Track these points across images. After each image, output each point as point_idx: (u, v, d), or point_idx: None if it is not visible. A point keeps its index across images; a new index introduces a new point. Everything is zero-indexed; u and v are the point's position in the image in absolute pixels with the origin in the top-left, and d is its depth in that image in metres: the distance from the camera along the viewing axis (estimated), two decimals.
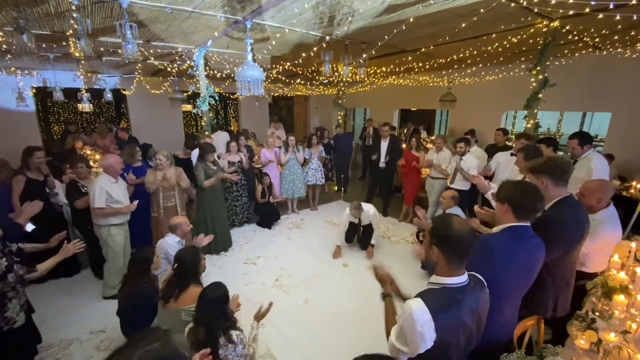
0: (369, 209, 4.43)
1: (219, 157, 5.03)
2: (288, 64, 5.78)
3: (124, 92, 8.27)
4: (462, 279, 1.29)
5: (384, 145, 5.73)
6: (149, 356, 0.68)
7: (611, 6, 2.75)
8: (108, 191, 3.28)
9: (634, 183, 4.34)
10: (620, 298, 1.91)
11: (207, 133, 5.06)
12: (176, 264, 2.25)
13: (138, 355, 0.66)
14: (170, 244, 3.07)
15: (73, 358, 2.75)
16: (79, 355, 2.77)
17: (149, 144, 5.77)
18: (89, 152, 6.21)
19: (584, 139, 3.31)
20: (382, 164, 5.79)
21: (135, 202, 3.49)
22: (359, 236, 4.66)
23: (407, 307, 1.22)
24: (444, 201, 3.97)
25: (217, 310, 1.87)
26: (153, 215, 4.07)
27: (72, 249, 2.44)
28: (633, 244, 2.43)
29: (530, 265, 1.63)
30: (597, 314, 1.84)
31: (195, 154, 4.93)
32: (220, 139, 6.20)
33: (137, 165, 4.45)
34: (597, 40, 4.43)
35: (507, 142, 5.22)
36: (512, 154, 4.02)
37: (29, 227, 2.93)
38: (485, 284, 1.38)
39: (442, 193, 4.16)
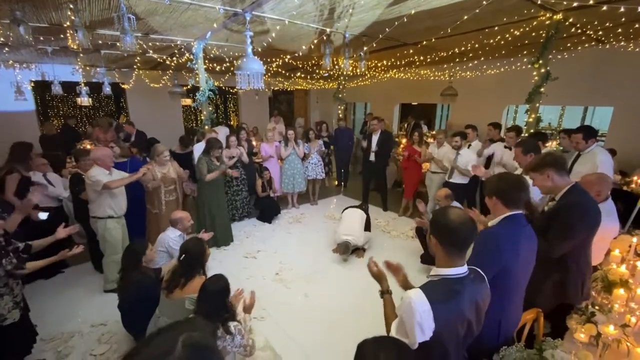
0: (357, 237, 4.25)
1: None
2: (288, 56, 5.74)
3: (123, 86, 8.22)
4: (461, 270, 1.29)
5: (375, 138, 5.73)
6: (192, 341, 0.69)
7: None
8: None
9: (634, 178, 4.33)
10: (620, 292, 1.91)
11: (207, 127, 5.04)
12: (183, 255, 2.26)
13: (182, 339, 0.68)
14: (171, 238, 3.08)
15: (74, 351, 2.76)
16: (80, 348, 2.79)
17: (157, 140, 5.69)
18: (89, 146, 6.19)
19: (588, 133, 3.29)
20: (371, 157, 5.78)
21: (144, 169, 3.55)
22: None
23: (406, 297, 1.23)
24: (440, 202, 3.94)
25: (217, 302, 1.88)
26: (154, 211, 4.05)
27: (66, 254, 2.42)
28: (634, 239, 2.43)
29: (531, 252, 1.67)
30: (596, 307, 1.84)
31: (198, 148, 4.91)
32: (221, 133, 6.18)
33: (119, 162, 4.22)
34: (600, 33, 4.39)
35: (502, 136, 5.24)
36: (505, 147, 4.02)
37: (42, 216, 2.96)
38: (486, 278, 1.38)
39: (437, 192, 4.13)
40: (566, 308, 1.95)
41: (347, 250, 4.18)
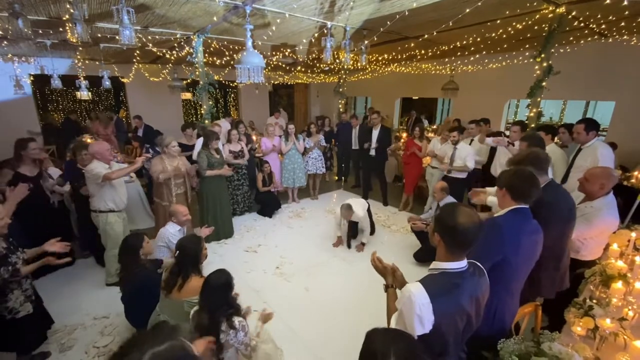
0: (358, 210, 4.24)
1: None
2: (289, 50, 5.70)
3: (122, 80, 8.19)
4: (461, 264, 1.30)
5: (375, 133, 5.72)
6: (158, 359, 0.68)
7: None
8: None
9: (635, 173, 4.33)
10: (617, 286, 1.92)
11: (207, 121, 5.02)
12: (177, 252, 2.27)
13: (147, 358, 0.66)
14: (171, 233, 3.09)
15: (78, 343, 2.80)
16: (84, 340, 2.83)
17: (160, 132, 5.71)
18: (89, 140, 6.18)
19: (590, 125, 3.30)
20: (372, 152, 5.78)
21: (143, 157, 3.58)
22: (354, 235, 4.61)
23: (406, 290, 1.24)
24: (436, 194, 4.00)
25: (219, 297, 1.88)
26: (163, 204, 4.09)
27: (53, 262, 2.38)
28: (633, 233, 2.44)
29: (534, 245, 1.71)
30: (594, 301, 1.85)
31: (199, 143, 4.91)
32: (223, 126, 6.16)
33: None
34: (603, 27, 4.35)
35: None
36: (508, 143, 4.02)
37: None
38: (485, 272, 1.39)
39: (434, 185, 4.15)
40: (564, 301, 1.97)
41: (350, 210, 4.14)
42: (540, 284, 2.14)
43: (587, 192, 2.38)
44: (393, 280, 1.60)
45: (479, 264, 1.39)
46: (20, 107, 7.24)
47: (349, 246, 4.52)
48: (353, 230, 4.57)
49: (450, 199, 3.94)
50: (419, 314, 1.18)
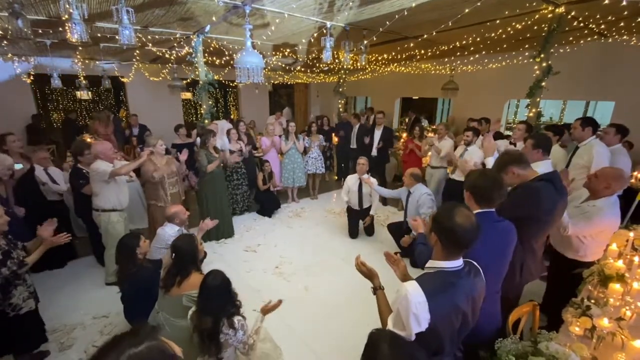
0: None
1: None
2: (288, 50, 5.71)
3: (122, 80, 8.19)
4: (457, 263, 1.31)
5: (377, 133, 5.71)
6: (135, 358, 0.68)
7: None
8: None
9: (635, 173, 4.33)
10: (615, 286, 1.93)
11: (207, 121, 5.03)
12: (174, 254, 2.24)
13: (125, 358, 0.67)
14: (170, 235, 3.06)
15: (77, 342, 2.81)
16: (83, 340, 2.83)
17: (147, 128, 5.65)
18: (89, 139, 6.18)
19: (585, 121, 3.34)
20: (374, 151, 5.77)
21: (148, 150, 3.61)
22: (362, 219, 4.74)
23: (402, 289, 1.25)
24: (406, 180, 3.99)
25: (220, 299, 1.87)
26: (159, 205, 4.05)
27: (56, 241, 2.38)
28: (631, 233, 2.45)
29: (501, 247, 1.68)
30: (592, 301, 1.86)
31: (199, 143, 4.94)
32: (222, 127, 6.17)
33: None
34: (602, 27, 4.35)
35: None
36: (510, 143, 4.02)
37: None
38: (481, 270, 1.40)
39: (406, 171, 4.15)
40: (562, 301, 1.97)
41: (364, 166, 4.55)
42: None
43: (592, 189, 2.35)
44: (400, 275, 1.63)
45: (474, 263, 1.40)
46: (20, 107, 7.24)
47: (353, 235, 4.62)
48: (353, 226, 4.68)
49: (421, 187, 3.94)
50: (415, 312, 1.19)
